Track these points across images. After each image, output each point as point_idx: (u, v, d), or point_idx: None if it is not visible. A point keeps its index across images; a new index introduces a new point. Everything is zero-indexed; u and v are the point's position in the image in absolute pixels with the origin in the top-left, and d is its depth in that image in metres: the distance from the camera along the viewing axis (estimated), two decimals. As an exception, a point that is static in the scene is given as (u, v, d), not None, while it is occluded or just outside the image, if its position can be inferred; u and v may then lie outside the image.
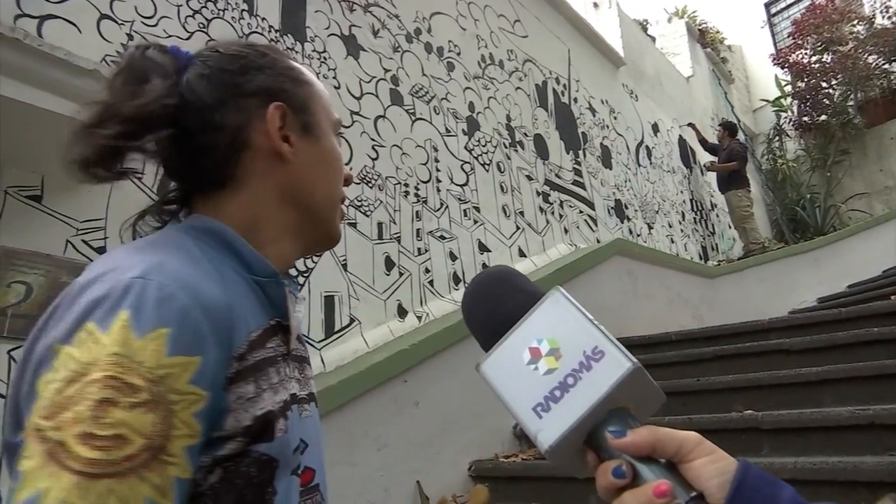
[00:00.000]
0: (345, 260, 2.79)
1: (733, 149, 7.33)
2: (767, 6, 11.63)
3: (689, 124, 7.72)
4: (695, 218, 7.28)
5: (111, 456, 0.48)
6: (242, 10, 2.72)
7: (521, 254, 4.05)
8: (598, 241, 4.91)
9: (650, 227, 6.09)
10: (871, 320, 3.03)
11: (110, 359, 0.51)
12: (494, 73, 4.40)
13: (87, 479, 0.47)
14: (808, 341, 2.90)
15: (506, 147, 4.25)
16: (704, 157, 7.81)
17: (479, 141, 3.99)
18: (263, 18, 2.81)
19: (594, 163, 5.42)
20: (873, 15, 9.18)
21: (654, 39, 8.28)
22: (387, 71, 3.41)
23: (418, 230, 3.27)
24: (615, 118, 6.11)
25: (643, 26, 8.17)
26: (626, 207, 5.75)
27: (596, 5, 7.01)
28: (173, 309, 0.54)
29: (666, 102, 7.53)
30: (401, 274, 3.08)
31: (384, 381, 2.46)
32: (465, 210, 3.67)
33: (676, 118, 7.67)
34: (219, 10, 2.61)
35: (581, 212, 4.95)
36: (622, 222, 5.58)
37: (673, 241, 6.45)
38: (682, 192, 7.19)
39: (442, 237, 3.43)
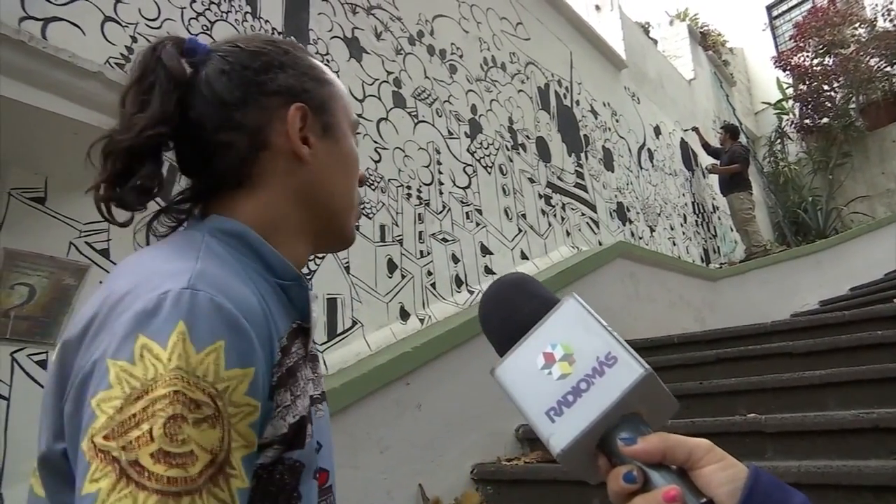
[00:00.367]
0: (347, 262, 2.79)
1: (735, 151, 7.33)
2: (769, 9, 11.64)
3: (693, 128, 7.72)
4: (696, 221, 7.28)
5: (188, 472, 0.48)
6: (246, 13, 2.72)
7: (524, 256, 4.05)
8: (601, 244, 4.91)
9: (652, 230, 6.08)
10: (873, 323, 3.02)
11: (174, 374, 0.49)
12: (497, 75, 4.41)
13: (169, 498, 0.46)
14: (811, 344, 2.90)
15: (508, 149, 4.25)
16: (706, 160, 7.81)
17: (481, 143, 3.99)
18: (266, 21, 2.82)
19: (596, 165, 5.42)
20: (875, 18, 9.19)
21: (655, 42, 8.28)
22: (389, 73, 3.41)
23: (420, 232, 3.27)
24: (617, 121, 6.11)
25: (645, 29, 8.18)
26: (628, 210, 5.75)
27: (598, 8, 7.02)
28: (225, 320, 0.54)
29: (668, 105, 7.53)
30: (403, 276, 3.08)
31: (386, 384, 2.45)
32: (467, 212, 3.67)
33: (678, 121, 7.68)
34: (222, 12, 2.61)
35: (583, 214, 4.95)
36: (624, 225, 5.58)
37: (675, 244, 6.45)
38: (683, 194, 7.19)
39: (444, 240, 3.42)
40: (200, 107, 0.68)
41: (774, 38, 11.43)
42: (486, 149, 4.02)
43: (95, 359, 0.52)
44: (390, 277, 3.01)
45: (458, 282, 3.42)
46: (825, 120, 9.63)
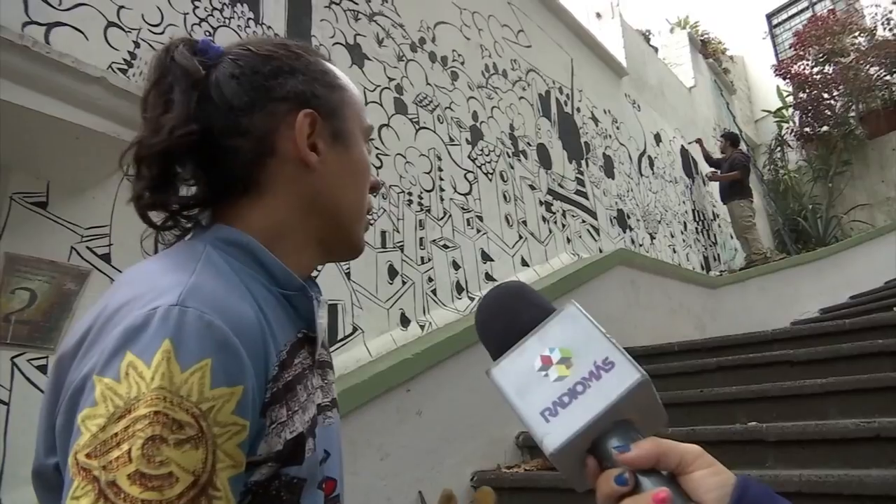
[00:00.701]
0: (348, 269, 2.79)
1: (735, 158, 7.35)
2: (769, 17, 11.68)
3: (696, 140, 7.73)
4: (697, 228, 7.28)
5: (164, 495, 0.47)
6: (248, 19, 2.73)
7: (524, 263, 4.05)
8: (601, 251, 4.90)
9: (652, 237, 6.09)
10: (874, 332, 3.02)
11: (156, 393, 0.49)
12: (498, 82, 4.42)
13: None
14: (811, 353, 2.89)
15: (509, 156, 4.26)
16: (706, 168, 7.82)
17: (482, 150, 4.00)
18: (269, 27, 2.83)
19: (597, 172, 5.43)
20: (874, 27, 9.22)
21: (656, 50, 8.31)
22: (391, 80, 3.42)
23: (421, 239, 3.27)
24: (618, 128, 6.12)
25: (645, 37, 8.20)
26: (629, 217, 5.75)
27: (599, 15, 7.04)
28: (213, 338, 0.53)
29: (668, 112, 7.54)
30: (404, 283, 3.08)
31: (387, 391, 2.45)
32: (468, 219, 3.67)
33: (679, 128, 7.69)
34: (225, 18, 2.62)
35: (584, 221, 4.95)
36: (624, 232, 5.58)
37: (675, 252, 6.45)
38: (684, 202, 7.19)
39: (445, 246, 3.42)
40: (209, 110, 0.67)
41: (774, 46, 11.47)
42: (487, 155, 4.03)
43: (85, 374, 0.52)
44: (391, 284, 3.01)
45: (459, 288, 3.42)
46: (825, 128, 9.66)
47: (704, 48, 9.59)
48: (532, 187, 4.41)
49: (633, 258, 4.74)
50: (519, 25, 4.91)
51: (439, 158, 3.59)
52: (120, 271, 1.90)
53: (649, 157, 6.64)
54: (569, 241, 4.64)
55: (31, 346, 1.71)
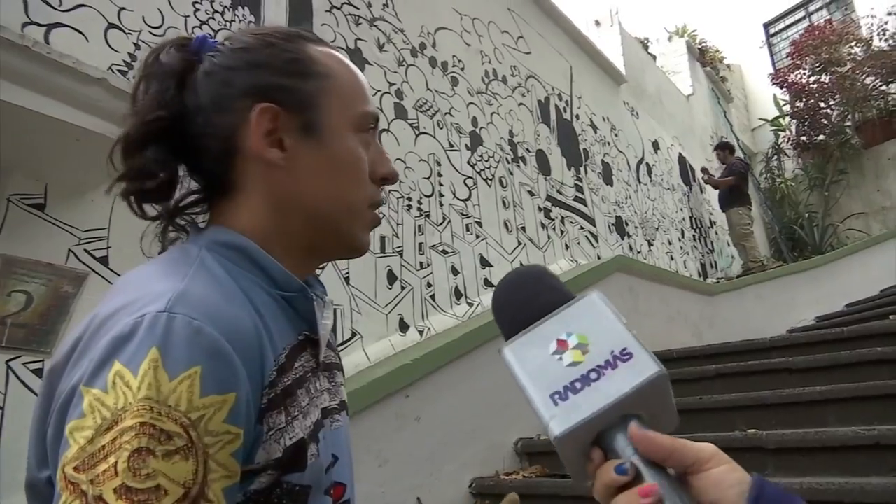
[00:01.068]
0: (347, 273, 2.78)
1: (733, 164, 7.40)
2: (766, 26, 11.76)
3: (702, 169, 7.75)
4: (694, 235, 7.30)
5: None
6: (249, 22, 2.73)
7: (522, 269, 4.04)
8: (599, 258, 4.91)
9: (650, 244, 6.09)
10: (872, 340, 3.03)
11: (143, 404, 0.47)
12: (498, 88, 4.42)
13: None
14: (810, 360, 2.90)
15: (508, 162, 4.26)
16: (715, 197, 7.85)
17: (481, 156, 4.00)
18: (269, 31, 2.82)
19: (595, 179, 5.44)
20: (871, 37, 9.30)
21: (654, 58, 8.34)
22: (391, 85, 3.42)
23: (420, 244, 3.26)
24: (616, 135, 6.14)
25: (644, 44, 8.24)
26: (627, 224, 5.76)
27: (598, 23, 7.07)
28: (203, 345, 0.51)
29: (666, 120, 7.57)
30: (403, 288, 3.07)
31: (386, 396, 2.43)
32: (467, 225, 3.66)
33: (676, 136, 7.72)
34: (226, 21, 2.62)
35: (582, 228, 4.95)
36: (623, 239, 5.58)
37: (672, 259, 6.46)
38: (681, 209, 7.21)
39: (444, 251, 3.42)
40: (190, 111, 0.66)
41: (772, 55, 11.54)
42: (486, 161, 4.03)
43: (73, 384, 0.51)
44: (390, 289, 3.00)
45: (458, 294, 3.41)
46: (821, 137, 9.72)
47: (702, 56, 9.64)
48: (531, 193, 4.41)
49: (632, 265, 4.74)
50: (519, 32, 4.92)
51: (439, 164, 3.59)
52: (118, 274, 1.89)
53: (647, 164, 6.66)
54: (567, 247, 4.64)
55: (27, 349, 1.69)
